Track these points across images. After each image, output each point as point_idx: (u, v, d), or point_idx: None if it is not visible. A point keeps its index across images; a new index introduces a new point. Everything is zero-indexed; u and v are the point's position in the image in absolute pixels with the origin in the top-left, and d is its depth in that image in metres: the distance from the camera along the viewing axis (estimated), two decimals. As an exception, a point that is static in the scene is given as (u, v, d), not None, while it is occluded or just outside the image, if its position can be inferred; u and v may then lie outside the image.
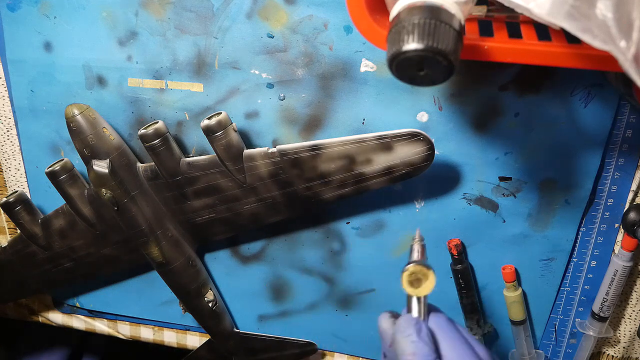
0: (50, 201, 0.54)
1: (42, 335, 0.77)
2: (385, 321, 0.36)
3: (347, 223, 0.50)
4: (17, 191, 0.51)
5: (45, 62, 0.49)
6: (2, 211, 0.59)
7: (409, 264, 0.35)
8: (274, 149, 0.44)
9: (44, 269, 0.54)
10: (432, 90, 0.44)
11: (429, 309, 0.36)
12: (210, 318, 0.54)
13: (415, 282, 0.34)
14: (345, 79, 0.44)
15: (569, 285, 0.50)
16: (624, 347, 0.52)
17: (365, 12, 0.32)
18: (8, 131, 0.54)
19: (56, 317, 0.63)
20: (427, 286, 0.34)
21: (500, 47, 0.32)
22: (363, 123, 0.46)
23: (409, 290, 0.34)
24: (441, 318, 0.35)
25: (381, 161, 0.43)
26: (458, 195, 0.47)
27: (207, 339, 0.58)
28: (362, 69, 0.44)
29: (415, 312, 0.35)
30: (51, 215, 0.51)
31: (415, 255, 0.37)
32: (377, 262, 0.51)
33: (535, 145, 0.44)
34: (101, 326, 0.63)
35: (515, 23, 0.35)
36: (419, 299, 0.35)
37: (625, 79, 0.37)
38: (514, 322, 0.50)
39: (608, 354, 0.52)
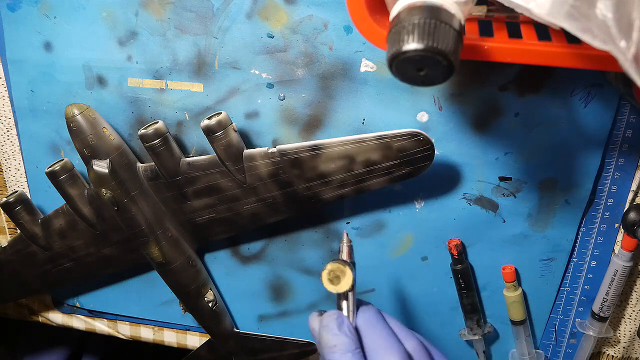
0: (50, 201, 0.54)
1: (42, 335, 0.77)
2: (313, 320, 0.38)
3: (347, 223, 0.50)
4: (17, 191, 0.51)
5: (45, 62, 0.49)
6: (2, 211, 0.59)
7: (329, 262, 0.37)
8: (274, 149, 0.44)
9: (44, 269, 0.54)
10: (432, 90, 0.44)
11: (360, 304, 0.38)
12: (210, 318, 0.54)
13: (335, 279, 0.36)
14: (345, 79, 0.44)
15: (569, 285, 0.50)
16: (624, 347, 0.52)
17: (365, 12, 0.32)
18: (8, 131, 0.54)
19: (56, 317, 0.63)
20: (345, 282, 0.36)
21: (500, 47, 0.32)
22: (363, 123, 0.46)
23: (329, 287, 0.36)
24: (370, 312, 0.37)
25: (381, 161, 0.43)
26: (458, 195, 0.47)
27: (207, 339, 0.58)
28: (362, 69, 0.44)
29: (344, 309, 0.37)
30: (51, 215, 0.51)
31: (343, 256, 0.39)
32: (377, 262, 0.51)
33: (535, 145, 0.44)
34: (101, 326, 0.63)
35: (515, 23, 0.35)
36: (342, 295, 0.37)
37: (625, 79, 0.37)
38: (514, 322, 0.50)
39: (608, 354, 0.52)
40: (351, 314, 0.37)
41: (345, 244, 0.39)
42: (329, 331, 0.35)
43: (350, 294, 0.37)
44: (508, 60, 0.32)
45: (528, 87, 0.42)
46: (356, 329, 0.36)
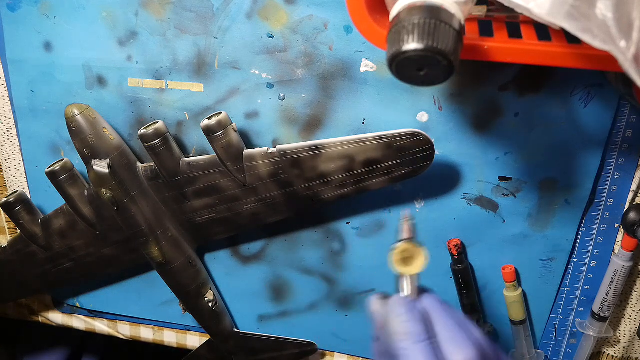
0: (50, 201, 0.54)
1: (42, 335, 0.77)
2: (376, 303, 0.36)
3: (347, 223, 0.50)
4: (17, 191, 0.51)
5: (45, 62, 0.49)
6: (2, 211, 0.59)
7: (398, 242, 0.34)
8: (274, 149, 0.44)
9: (44, 269, 0.54)
10: (432, 90, 0.44)
11: (421, 290, 0.35)
12: (210, 318, 0.54)
13: (405, 260, 0.33)
14: (345, 79, 0.44)
15: (569, 285, 0.50)
16: (624, 347, 0.52)
17: (365, 12, 0.32)
18: (8, 131, 0.54)
19: (56, 317, 0.63)
20: (418, 264, 0.33)
21: (500, 47, 0.32)
22: (363, 123, 0.46)
23: (399, 269, 0.33)
24: (433, 298, 0.35)
25: (381, 161, 0.43)
26: (458, 195, 0.47)
27: (207, 339, 0.58)
28: (362, 69, 0.44)
29: (406, 292, 0.34)
30: (51, 215, 0.51)
31: (405, 235, 0.35)
32: (377, 262, 0.51)
33: (535, 145, 0.44)
34: (101, 326, 0.63)
35: (515, 23, 0.35)
36: (409, 278, 0.34)
37: (625, 79, 0.37)
38: (514, 322, 0.50)
39: (608, 354, 0.52)
40: (415, 297, 0.34)
41: (407, 222, 0.36)
42: (399, 317, 0.32)
43: (415, 276, 0.34)
44: (508, 60, 0.32)
45: (528, 87, 0.42)
46: (422, 314, 0.33)
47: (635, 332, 0.51)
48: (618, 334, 0.51)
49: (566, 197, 0.46)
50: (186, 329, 0.60)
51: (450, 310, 0.34)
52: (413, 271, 0.34)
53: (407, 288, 0.34)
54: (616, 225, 0.47)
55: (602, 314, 0.48)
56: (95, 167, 0.46)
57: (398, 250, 0.33)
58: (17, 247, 0.53)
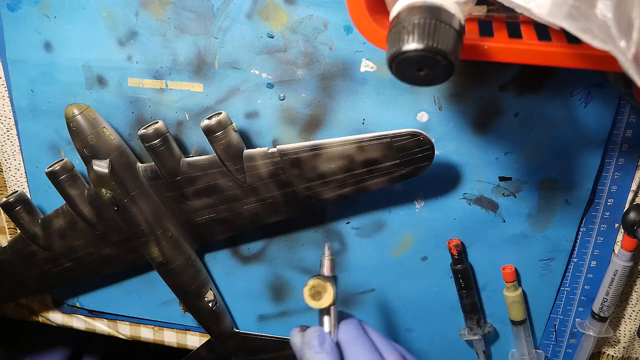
0: (50, 201, 0.54)
1: (42, 335, 0.77)
2: (295, 335, 0.38)
3: (347, 223, 0.50)
4: (17, 191, 0.51)
5: (45, 62, 0.49)
6: (2, 211, 0.59)
7: (311, 277, 0.37)
8: (274, 149, 0.44)
9: (44, 269, 0.54)
10: (432, 90, 0.44)
11: (341, 317, 0.38)
12: (210, 318, 0.54)
13: (317, 295, 0.36)
14: (345, 79, 0.45)
15: (569, 285, 0.50)
16: (624, 347, 0.52)
17: (365, 12, 0.32)
18: (8, 131, 0.54)
19: (56, 317, 0.63)
20: (327, 298, 0.36)
21: (500, 47, 0.32)
22: (363, 123, 0.46)
23: (310, 303, 0.36)
24: (351, 326, 0.37)
25: (381, 161, 0.43)
26: (458, 195, 0.47)
27: (207, 339, 0.58)
28: (362, 69, 0.44)
29: (325, 323, 0.37)
30: (51, 215, 0.51)
31: (324, 270, 0.38)
32: (377, 262, 0.51)
33: (535, 145, 0.44)
34: (101, 326, 0.63)
35: (515, 23, 0.35)
36: (324, 310, 0.37)
37: (625, 79, 0.37)
38: (514, 322, 0.50)
39: (608, 354, 0.52)
40: (333, 329, 0.37)
41: (326, 258, 0.39)
42: (311, 349, 0.35)
43: (332, 308, 0.37)
44: (508, 60, 0.32)
45: (528, 87, 0.42)
46: (338, 345, 0.36)
47: (635, 332, 0.51)
48: (618, 334, 0.51)
49: (566, 197, 0.46)
50: (186, 329, 0.60)
51: (367, 337, 0.37)
52: (322, 305, 0.36)
53: (325, 320, 0.37)
54: (616, 225, 0.47)
55: (602, 314, 0.48)
56: (95, 167, 0.46)
57: (308, 286, 0.36)
58: (17, 247, 0.53)
